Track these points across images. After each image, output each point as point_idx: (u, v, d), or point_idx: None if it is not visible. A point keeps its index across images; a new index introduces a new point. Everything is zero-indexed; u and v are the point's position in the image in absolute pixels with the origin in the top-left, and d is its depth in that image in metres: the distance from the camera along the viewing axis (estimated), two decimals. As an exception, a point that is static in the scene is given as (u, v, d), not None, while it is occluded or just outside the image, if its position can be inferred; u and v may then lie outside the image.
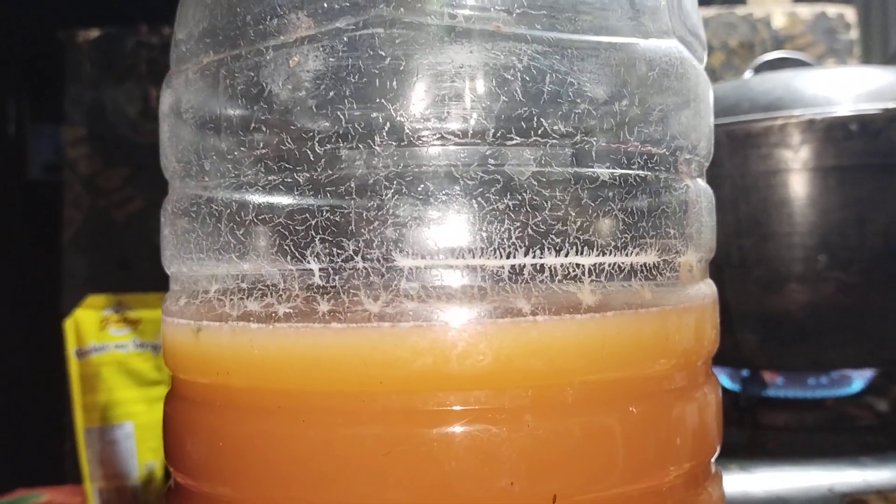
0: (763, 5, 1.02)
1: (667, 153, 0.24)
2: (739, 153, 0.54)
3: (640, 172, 0.23)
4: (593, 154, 0.22)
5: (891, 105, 0.52)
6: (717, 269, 0.57)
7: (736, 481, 0.45)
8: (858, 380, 0.61)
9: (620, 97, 0.22)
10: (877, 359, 0.58)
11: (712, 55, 1.01)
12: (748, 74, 0.67)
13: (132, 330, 0.73)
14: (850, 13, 1.02)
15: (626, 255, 0.23)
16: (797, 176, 0.53)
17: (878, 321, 0.56)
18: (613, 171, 0.22)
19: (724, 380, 0.62)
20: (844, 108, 0.53)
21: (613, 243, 0.22)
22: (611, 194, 0.22)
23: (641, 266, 0.23)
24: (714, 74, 1.02)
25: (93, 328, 0.73)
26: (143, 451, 0.73)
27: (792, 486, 0.45)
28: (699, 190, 0.25)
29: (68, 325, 0.72)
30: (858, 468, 0.47)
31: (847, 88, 0.56)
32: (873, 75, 0.59)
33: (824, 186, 0.52)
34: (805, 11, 1.02)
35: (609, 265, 0.22)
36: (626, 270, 0.23)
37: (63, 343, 0.73)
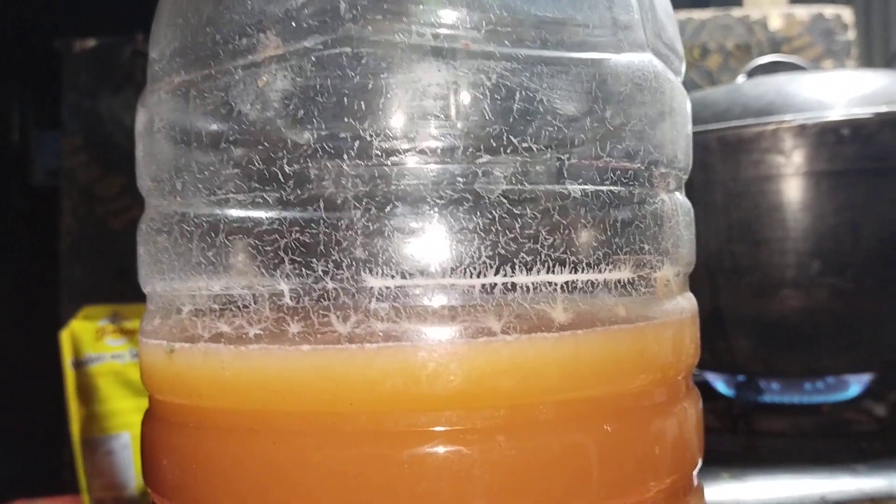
0: (759, 7, 1.01)
1: (641, 168, 0.24)
2: (731, 159, 0.54)
3: (614, 188, 0.23)
4: (565, 171, 0.22)
5: (883, 109, 0.52)
6: (711, 274, 0.57)
7: (728, 490, 0.45)
8: (855, 384, 0.61)
9: (592, 113, 0.22)
10: (872, 364, 0.57)
11: (709, 57, 1.01)
12: (741, 79, 0.66)
13: (128, 340, 0.73)
14: (847, 14, 1.02)
15: (600, 271, 0.22)
16: (790, 181, 0.52)
17: (873, 326, 0.55)
18: (586, 187, 0.22)
19: (719, 385, 0.62)
20: (836, 112, 0.53)
21: (586, 260, 0.22)
22: (583, 211, 0.22)
23: (616, 282, 0.23)
24: (711, 77, 1.02)
25: (89, 339, 0.73)
26: (140, 462, 0.73)
27: (784, 495, 0.45)
28: (676, 204, 0.25)
29: (64, 336, 0.72)
30: (852, 476, 0.47)
31: (839, 92, 0.56)
32: (866, 79, 0.59)
33: (817, 191, 0.52)
34: (802, 13, 1.02)
35: (582, 282, 0.22)
36: (599, 287, 0.23)
37: (60, 352, 0.73)
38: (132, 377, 0.73)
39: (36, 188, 1.42)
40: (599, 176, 0.23)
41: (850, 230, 0.52)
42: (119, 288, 0.96)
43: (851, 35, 1.02)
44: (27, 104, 1.44)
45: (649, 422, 0.23)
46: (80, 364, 0.72)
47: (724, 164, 0.54)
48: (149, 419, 0.26)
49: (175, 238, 0.24)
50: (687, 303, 0.26)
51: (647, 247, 0.23)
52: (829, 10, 1.02)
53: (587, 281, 0.22)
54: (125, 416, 0.73)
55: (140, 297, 0.27)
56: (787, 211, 0.53)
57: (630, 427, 0.23)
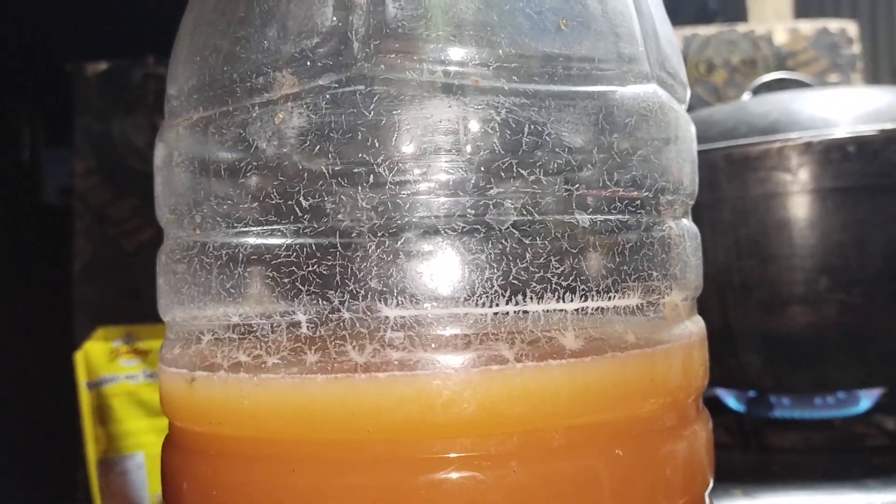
0: (764, 22, 1.02)
1: (649, 196, 0.24)
2: (738, 177, 0.54)
3: (622, 217, 0.23)
4: (573, 201, 0.23)
5: (888, 126, 0.52)
6: (720, 291, 0.57)
7: (740, 508, 0.45)
8: (866, 399, 0.61)
9: (599, 144, 0.23)
10: (882, 378, 0.57)
11: (715, 73, 1.02)
12: (746, 96, 0.67)
13: (142, 360, 0.74)
14: (852, 28, 1.02)
15: (609, 298, 0.23)
16: (796, 198, 0.53)
17: (883, 340, 0.56)
18: (594, 216, 0.23)
19: (730, 401, 0.62)
20: (842, 129, 0.53)
21: (596, 288, 0.23)
22: (592, 239, 0.23)
23: (625, 308, 0.23)
24: (717, 92, 1.02)
25: (103, 360, 0.73)
26: (154, 482, 0.74)
27: (795, 512, 0.45)
28: (683, 230, 0.26)
29: (79, 357, 0.73)
30: (864, 491, 0.47)
31: (845, 110, 0.56)
32: (871, 96, 0.59)
33: (823, 208, 0.53)
34: (807, 27, 1.02)
35: (592, 309, 0.23)
36: (609, 313, 0.23)
37: (75, 372, 0.74)
38: (146, 397, 0.74)
39: (47, 206, 1.44)
40: (607, 205, 0.23)
41: (856, 246, 0.53)
42: (132, 308, 0.97)
43: (857, 49, 1.02)
44: (38, 124, 1.45)
45: (660, 445, 0.24)
46: (94, 385, 0.73)
47: (732, 181, 0.54)
48: (168, 446, 0.26)
49: (194, 269, 0.24)
50: (695, 326, 0.26)
51: (655, 273, 0.24)
52: (833, 25, 1.02)
53: (597, 308, 0.23)
54: (139, 437, 0.73)
55: (153, 318, 0.28)
56: (794, 228, 0.53)
57: (642, 451, 0.23)
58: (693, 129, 0.27)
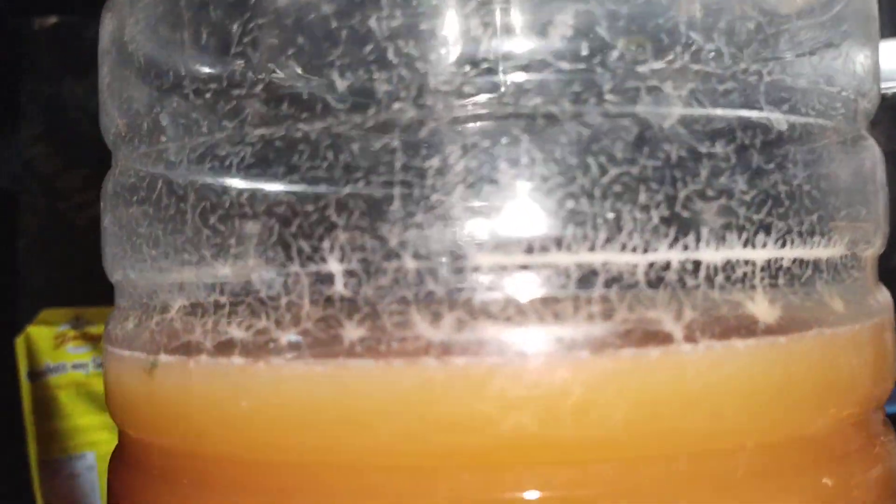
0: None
1: (850, 96, 0.16)
2: None
3: (824, 122, 0.15)
4: (761, 91, 0.14)
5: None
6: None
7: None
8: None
9: (804, 11, 0.15)
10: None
11: None
12: None
13: (93, 347, 0.65)
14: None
15: (811, 246, 0.15)
16: None
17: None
18: (792, 117, 0.15)
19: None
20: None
21: (797, 228, 0.14)
22: (791, 151, 0.15)
23: (827, 263, 0.15)
24: None
25: (48, 346, 0.65)
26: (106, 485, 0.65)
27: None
28: (877, 153, 0.18)
29: (19, 343, 0.64)
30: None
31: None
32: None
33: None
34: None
35: (788, 262, 0.15)
36: (808, 270, 0.15)
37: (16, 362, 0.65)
38: (97, 389, 0.65)
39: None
40: (804, 103, 0.15)
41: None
42: (84, 291, 0.87)
43: None
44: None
45: (872, 466, 0.16)
46: (36, 375, 0.64)
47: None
48: (117, 464, 0.18)
49: (160, 199, 0.16)
50: (884, 297, 0.18)
51: (863, 211, 0.16)
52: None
53: (794, 260, 0.15)
54: (89, 434, 0.64)
55: (108, 300, 0.19)
56: None
57: (852, 478, 0.15)
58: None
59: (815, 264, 0.15)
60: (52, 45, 0.92)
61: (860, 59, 0.16)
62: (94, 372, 0.65)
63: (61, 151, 0.90)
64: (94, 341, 0.65)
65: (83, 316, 0.65)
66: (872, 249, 0.16)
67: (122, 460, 0.18)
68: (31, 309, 0.83)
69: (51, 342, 0.64)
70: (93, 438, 0.65)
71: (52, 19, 0.91)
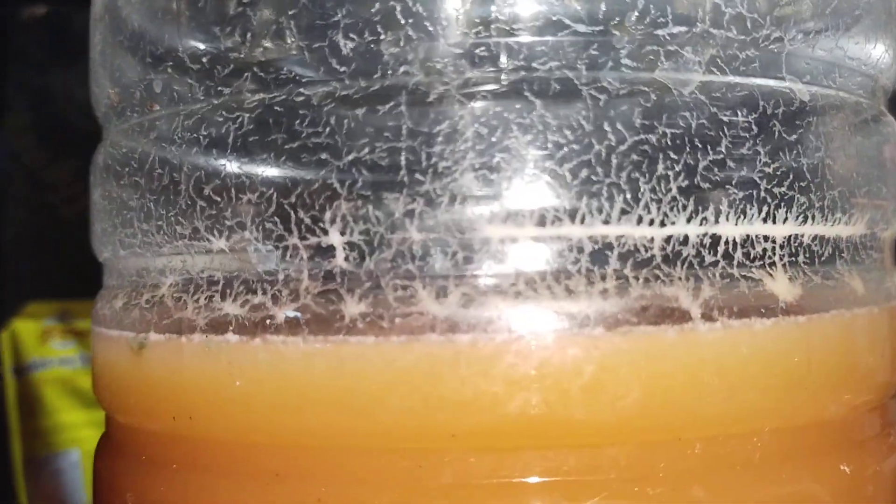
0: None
1: (870, 72, 0.16)
2: None
3: (846, 95, 0.15)
4: (783, 60, 0.14)
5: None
6: None
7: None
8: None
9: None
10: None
11: None
12: None
13: (79, 343, 0.64)
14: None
15: (833, 223, 0.14)
16: None
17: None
18: (813, 88, 0.14)
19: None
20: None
21: (819, 203, 0.14)
22: (813, 122, 0.14)
23: (847, 242, 0.15)
24: None
25: (33, 341, 0.63)
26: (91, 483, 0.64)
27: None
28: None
29: (4, 338, 0.62)
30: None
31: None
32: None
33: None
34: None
35: (808, 239, 0.14)
36: (828, 248, 0.14)
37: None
38: (83, 385, 0.64)
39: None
40: (825, 75, 0.15)
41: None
42: (72, 284, 0.86)
43: None
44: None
45: (889, 455, 0.15)
46: (21, 370, 0.63)
47: None
48: (105, 451, 0.17)
49: (152, 172, 0.15)
50: (899, 281, 0.18)
51: (885, 189, 0.15)
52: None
53: (815, 237, 0.14)
54: (75, 431, 0.63)
55: (96, 294, 0.18)
56: None
57: (868, 467, 0.15)
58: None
59: (836, 243, 0.14)
60: (40, 36, 0.91)
61: (880, 35, 0.16)
62: (80, 368, 0.63)
63: (49, 143, 0.89)
64: (80, 336, 0.63)
65: (70, 310, 0.64)
66: (891, 230, 0.16)
67: (108, 448, 0.17)
68: (17, 302, 0.82)
69: (36, 337, 0.63)
70: (78, 435, 0.64)
71: (41, 9, 0.90)
